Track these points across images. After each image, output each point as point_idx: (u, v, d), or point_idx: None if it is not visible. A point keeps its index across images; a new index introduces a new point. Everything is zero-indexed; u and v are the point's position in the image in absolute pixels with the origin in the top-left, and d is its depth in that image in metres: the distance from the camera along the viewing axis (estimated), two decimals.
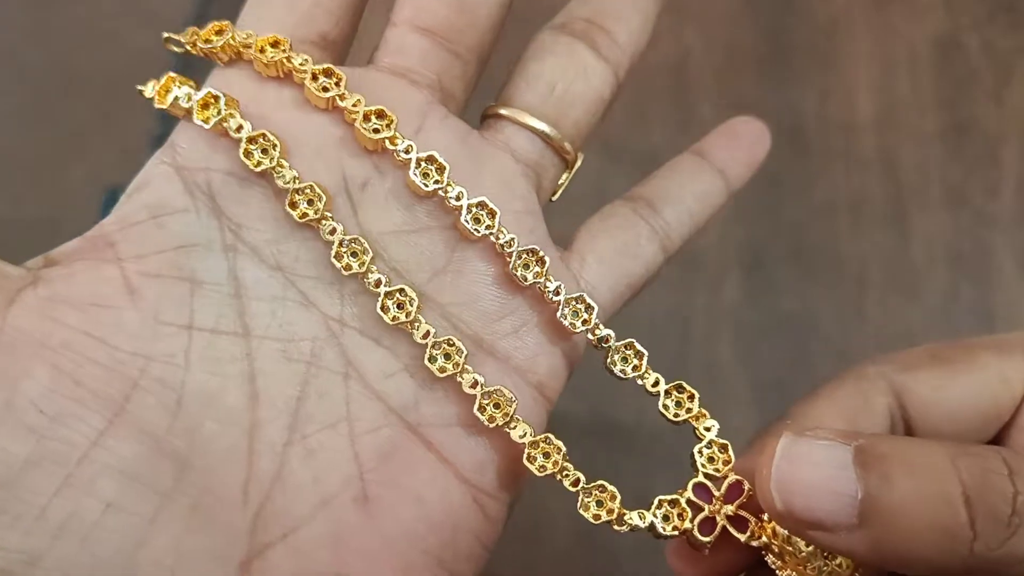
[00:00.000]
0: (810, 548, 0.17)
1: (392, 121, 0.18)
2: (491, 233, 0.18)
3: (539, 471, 0.17)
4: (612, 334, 0.19)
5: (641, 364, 0.19)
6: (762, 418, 0.19)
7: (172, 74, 0.19)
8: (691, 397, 0.19)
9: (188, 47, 0.19)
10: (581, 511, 0.18)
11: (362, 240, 0.17)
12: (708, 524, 0.18)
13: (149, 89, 0.19)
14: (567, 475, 0.18)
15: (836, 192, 0.40)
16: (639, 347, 0.19)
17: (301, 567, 0.16)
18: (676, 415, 0.19)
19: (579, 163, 0.21)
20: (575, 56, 0.20)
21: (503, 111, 0.20)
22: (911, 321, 0.38)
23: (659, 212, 0.21)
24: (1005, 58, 0.42)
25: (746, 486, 0.18)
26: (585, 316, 0.18)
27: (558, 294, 0.18)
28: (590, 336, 0.19)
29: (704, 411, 0.19)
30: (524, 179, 0.19)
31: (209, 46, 0.18)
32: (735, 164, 0.22)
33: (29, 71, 0.45)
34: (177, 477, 0.16)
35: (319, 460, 0.16)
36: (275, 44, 0.18)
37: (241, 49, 0.18)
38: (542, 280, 0.18)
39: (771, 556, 0.17)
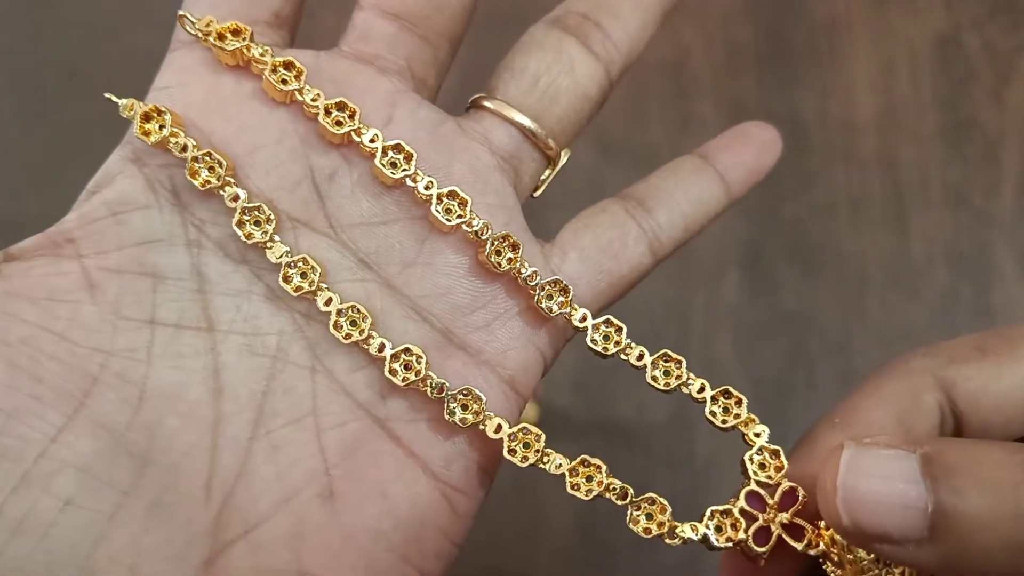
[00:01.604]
0: (871, 556, 0.16)
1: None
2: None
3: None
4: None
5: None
6: (762, 417, 0.19)
7: None
8: (738, 402, 0.18)
9: (199, 35, 0.18)
10: (631, 526, 0.17)
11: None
12: (763, 534, 0.17)
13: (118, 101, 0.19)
14: (614, 490, 0.18)
15: (836, 191, 0.40)
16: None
17: (262, 564, 0.16)
18: (724, 421, 0.18)
19: (564, 160, 0.20)
20: (563, 50, 0.19)
21: (486, 103, 0.19)
22: (911, 320, 0.38)
23: (651, 213, 0.20)
24: (1005, 58, 0.42)
25: (800, 493, 0.17)
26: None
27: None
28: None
29: (753, 416, 0.18)
30: (499, 172, 0.19)
31: (219, 45, 0.18)
32: (739, 170, 0.21)
33: (29, 70, 0.45)
34: (137, 474, 0.15)
35: (283, 456, 0.16)
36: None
37: (249, 58, 0.18)
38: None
39: (829, 564, 0.17)
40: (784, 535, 0.17)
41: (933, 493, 0.14)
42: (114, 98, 0.18)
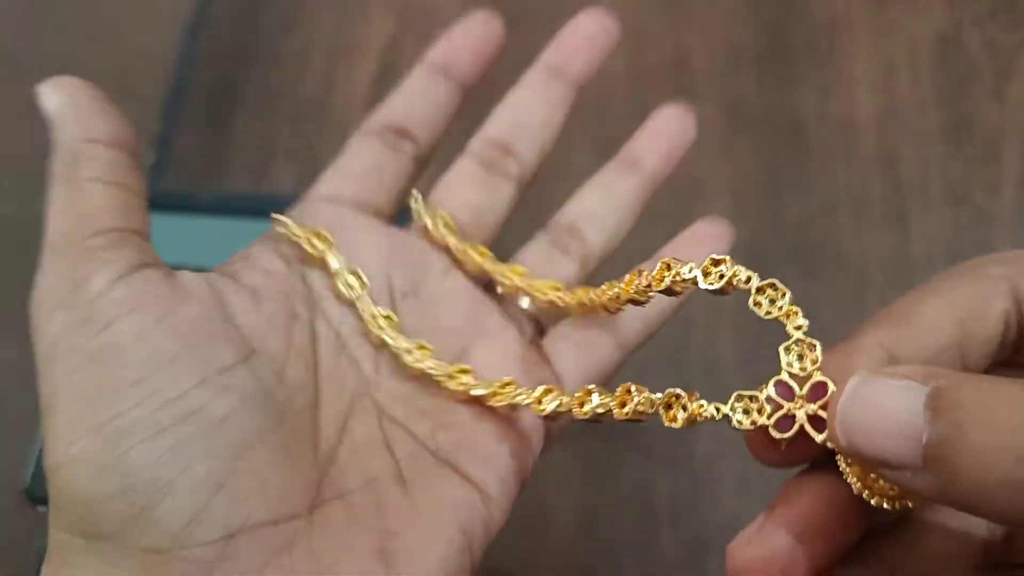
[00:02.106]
0: None
1: None
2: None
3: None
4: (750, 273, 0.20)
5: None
6: None
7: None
8: (783, 295, 0.19)
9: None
10: (667, 423, 0.19)
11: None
12: (786, 421, 0.17)
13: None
14: (643, 404, 0.19)
15: (836, 190, 0.40)
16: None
17: (353, 519, 0.19)
18: (768, 312, 0.19)
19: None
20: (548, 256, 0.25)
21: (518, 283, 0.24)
22: None
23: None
24: (1006, 55, 0.42)
25: (831, 386, 0.17)
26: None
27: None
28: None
29: (796, 309, 0.19)
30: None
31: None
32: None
33: (30, 71, 0.45)
34: (278, 422, 0.20)
35: (364, 456, 0.21)
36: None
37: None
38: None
39: (842, 458, 0.17)
40: (807, 425, 0.17)
41: (931, 425, 0.14)
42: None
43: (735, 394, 0.18)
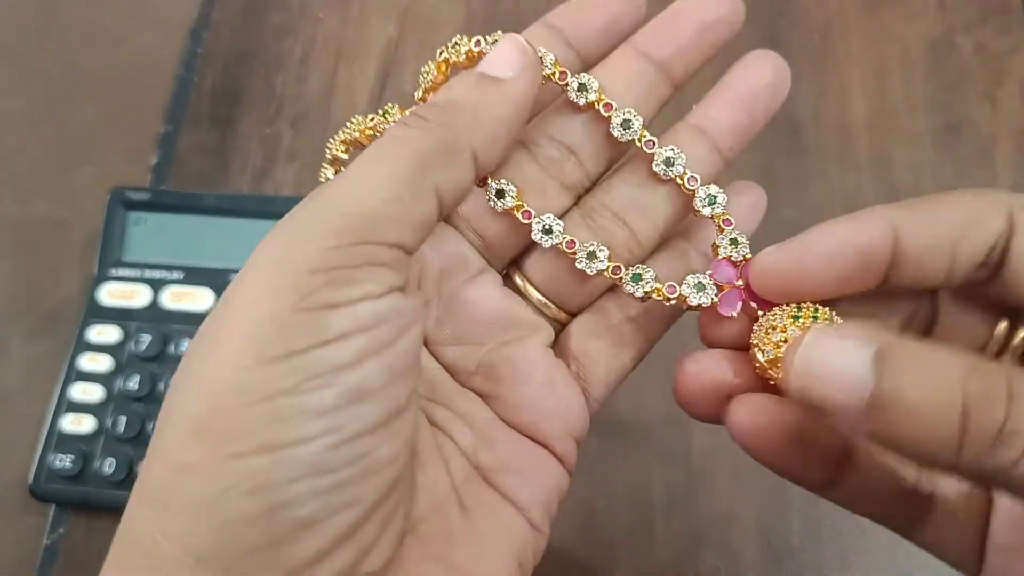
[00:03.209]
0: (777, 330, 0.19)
1: None
2: None
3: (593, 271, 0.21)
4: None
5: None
6: None
7: None
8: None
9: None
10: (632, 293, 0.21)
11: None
12: (730, 298, 0.20)
13: None
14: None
15: (830, 192, 0.40)
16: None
17: (424, 554, 0.19)
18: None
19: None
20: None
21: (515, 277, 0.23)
22: None
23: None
24: (997, 59, 0.42)
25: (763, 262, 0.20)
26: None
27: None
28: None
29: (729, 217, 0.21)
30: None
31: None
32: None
33: (36, 72, 0.45)
34: (408, 457, 0.18)
35: (427, 474, 0.20)
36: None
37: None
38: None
39: (755, 335, 0.20)
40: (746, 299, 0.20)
41: (875, 379, 0.16)
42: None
43: (688, 276, 0.21)
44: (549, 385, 0.21)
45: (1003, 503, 0.20)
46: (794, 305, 0.20)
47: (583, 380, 0.22)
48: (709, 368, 0.20)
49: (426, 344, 0.22)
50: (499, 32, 0.21)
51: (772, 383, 0.19)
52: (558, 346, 0.22)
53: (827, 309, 0.19)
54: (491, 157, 0.19)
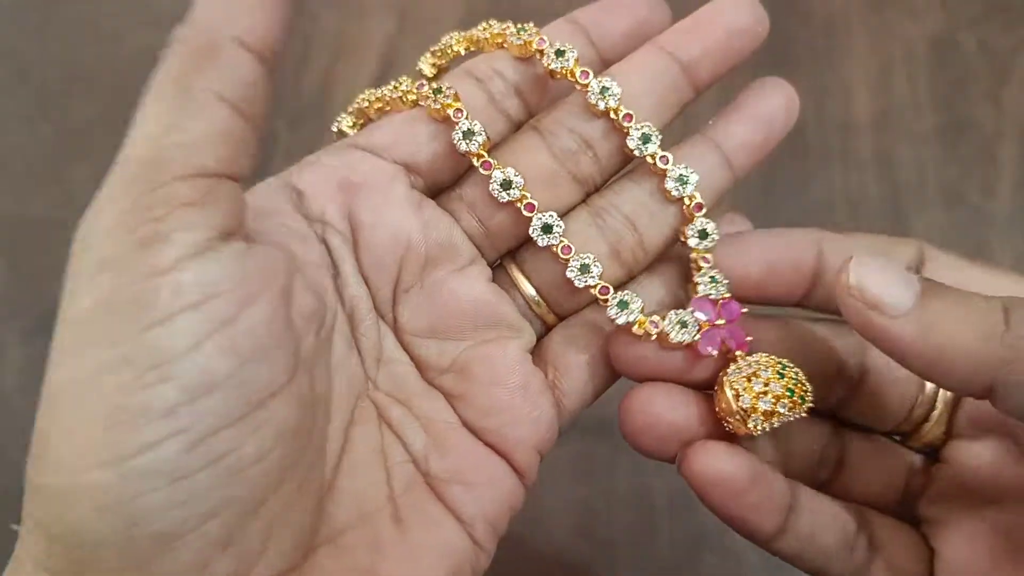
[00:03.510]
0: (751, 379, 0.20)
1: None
2: None
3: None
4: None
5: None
6: None
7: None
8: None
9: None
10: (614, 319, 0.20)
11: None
12: (709, 337, 0.20)
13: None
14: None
15: (833, 191, 0.40)
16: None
17: (345, 565, 0.17)
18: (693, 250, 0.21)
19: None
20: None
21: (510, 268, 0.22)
22: None
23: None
24: (1002, 57, 0.42)
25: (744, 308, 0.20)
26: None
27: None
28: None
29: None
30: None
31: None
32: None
33: (32, 71, 0.45)
34: (301, 452, 0.17)
35: (362, 478, 0.19)
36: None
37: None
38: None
39: (721, 381, 0.20)
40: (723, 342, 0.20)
41: (923, 284, 0.17)
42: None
43: (669, 312, 0.20)
44: (523, 391, 0.20)
45: (946, 555, 0.20)
46: (775, 359, 0.20)
47: (559, 390, 0.21)
48: (657, 404, 0.20)
49: (398, 334, 0.21)
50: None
51: (728, 428, 0.20)
52: (538, 351, 0.22)
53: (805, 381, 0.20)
54: (265, 31, 0.16)
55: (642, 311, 0.20)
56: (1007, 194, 0.40)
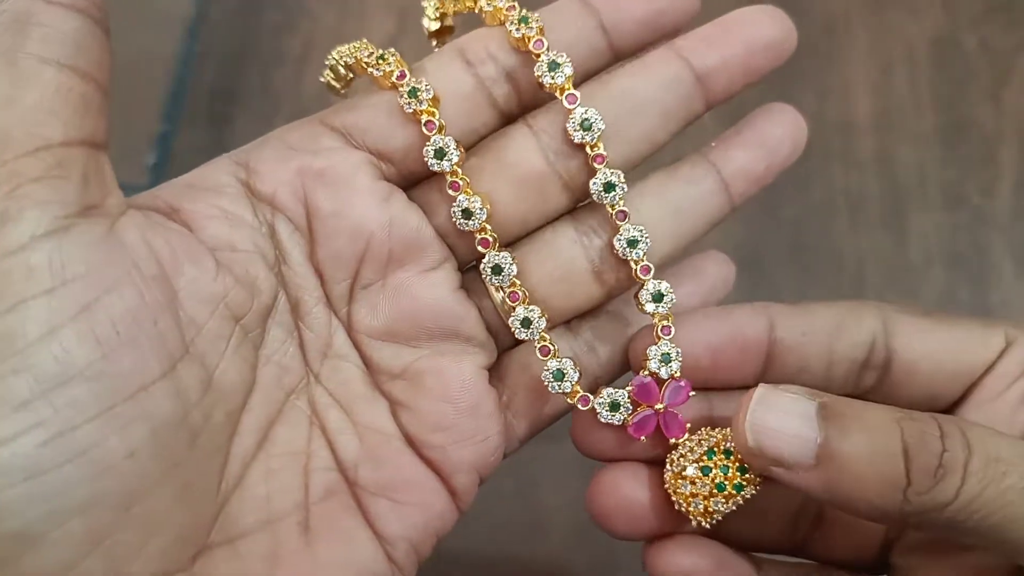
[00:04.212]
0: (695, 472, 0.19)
1: None
2: None
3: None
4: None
5: None
6: None
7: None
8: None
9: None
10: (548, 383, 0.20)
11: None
12: (645, 421, 0.20)
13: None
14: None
15: (834, 191, 0.40)
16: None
17: (238, 572, 0.17)
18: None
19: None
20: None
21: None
22: None
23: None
24: (1003, 57, 0.42)
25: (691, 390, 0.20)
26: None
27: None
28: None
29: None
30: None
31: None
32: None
33: None
34: (186, 451, 0.16)
35: (276, 481, 0.18)
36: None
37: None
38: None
39: (668, 468, 0.20)
40: (661, 424, 0.20)
41: (824, 430, 0.17)
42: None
43: (603, 390, 0.20)
44: (472, 412, 0.19)
45: None
46: (702, 448, 0.19)
47: (511, 412, 0.20)
48: (623, 486, 0.20)
49: (351, 333, 0.19)
50: None
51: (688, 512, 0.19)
52: (498, 367, 0.21)
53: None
54: None
55: (577, 383, 0.20)
56: (1007, 194, 0.40)
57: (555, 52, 0.19)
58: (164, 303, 0.16)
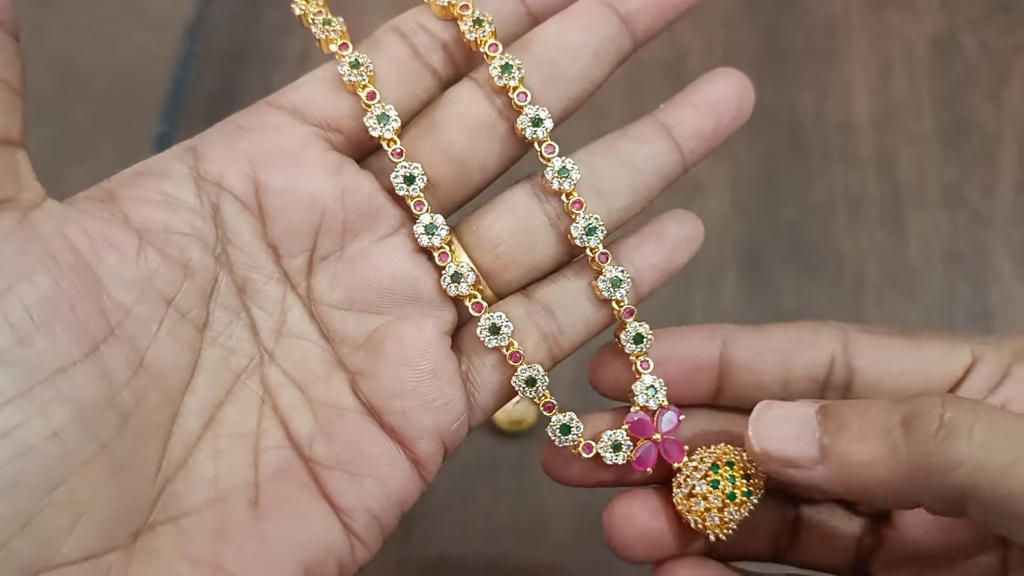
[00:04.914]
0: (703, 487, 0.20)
1: None
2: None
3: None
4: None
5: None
6: None
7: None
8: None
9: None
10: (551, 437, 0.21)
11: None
12: (647, 455, 0.21)
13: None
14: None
15: (834, 191, 0.40)
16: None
17: (183, 551, 0.17)
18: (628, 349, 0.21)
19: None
20: (534, 226, 0.21)
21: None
22: (909, 320, 0.38)
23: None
24: (1002, 58, 0.42)
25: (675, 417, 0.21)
26: None
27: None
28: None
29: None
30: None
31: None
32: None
33: (29, 72, 0.45)
34: (116, 432, 0.16)
35: (223, 460, 0.18)
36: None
37: None
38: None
39: (676, 490, 0.20)
40: (661, 452, 0.21)
41: (823, 427, 0.18)
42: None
43: (604, 433, 0.21)
44: (432, 376, 0.19)
45: None
46: (707, 464, 0.20)
47: (471, 384, 0.20)
48: (636, 515, 0.21)
49: (314, 305, 0.19)
50: None
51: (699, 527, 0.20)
52: (459, 338, 0.21)
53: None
54: None
55: (581, 435, 0.21)
56: (1007, 195, 0.40)
57: (479, 12, 0.20)
58: (83, 289, 0.16)
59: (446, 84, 0.21)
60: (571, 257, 0.21)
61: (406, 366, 0.19)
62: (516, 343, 0.20)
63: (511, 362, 0.20)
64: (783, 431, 0.18)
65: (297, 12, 0.21)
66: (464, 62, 0.21)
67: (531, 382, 0.20)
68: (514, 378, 0.20)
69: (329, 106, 0.20)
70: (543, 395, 0.20)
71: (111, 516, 0.16)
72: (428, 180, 0.20)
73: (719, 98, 0.22)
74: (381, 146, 0.20)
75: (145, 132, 0.42)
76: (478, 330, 0.20)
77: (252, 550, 0.17)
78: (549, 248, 0.21)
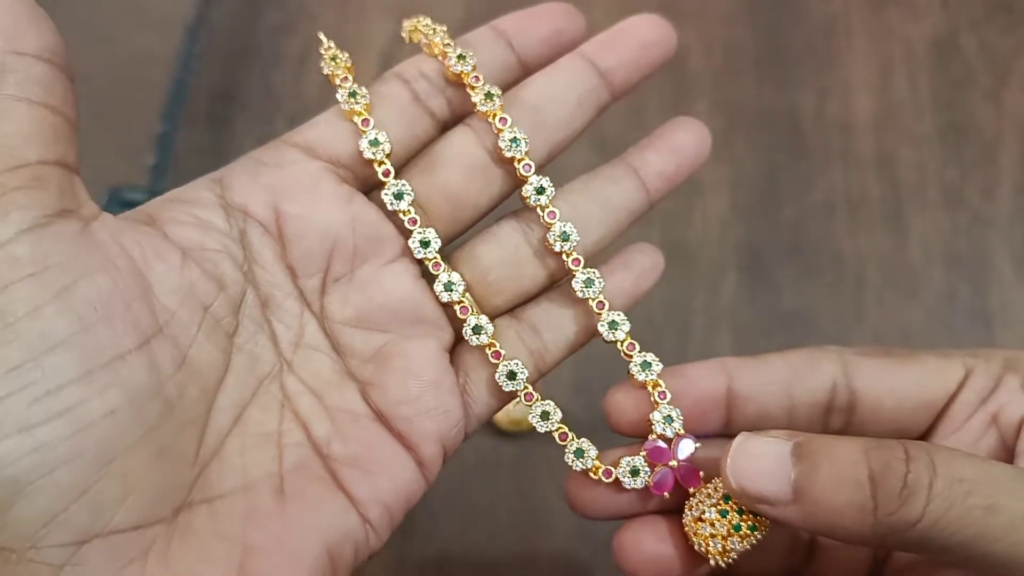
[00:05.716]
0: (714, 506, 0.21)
1: None
2: None
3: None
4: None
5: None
6: None
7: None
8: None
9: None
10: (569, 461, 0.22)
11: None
12: (663, 480, 0.22)
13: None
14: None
15: (834, 192, 0.40)
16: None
17: (217, 528, 0.19)
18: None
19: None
20: (520, 257, 0.23)
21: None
22: (909, 320, 0.38)
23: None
24: (1002, 58, 0.42)
25: (690, 444, 0.22)
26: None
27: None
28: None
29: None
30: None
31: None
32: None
33: None
34: (162, 419, 0.18)
35: (250, 454, 0.20)
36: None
37: None
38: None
39: (687, 515, 0.21)
40: (679, 479, 0.22)
41: (797, 468, 0.19)
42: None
43: (622, 459, 0.22)
44: (434, 387, 0.22)
45: None
46: (719, 493, 0.21)
47: (468, 396, 0.22)
48: (646, 542, 0.22)
49: (326, 322, 0.22)
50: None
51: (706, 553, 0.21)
52: (456, 354, 0.23)
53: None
54: (38, 39, 0.19)
55: (597, 458, 0.22)
56: (1007, 196, 0.40)
57: (461, 49, 0.23)
58: (137, 291, 0.19)
59: (443, 126, 0.23)
60: (553, 283, 0.24)
61: (412, 378, 0.21)
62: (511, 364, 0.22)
63: (525, 402, 0.22)
64: (758, 468, 0.19)
65: (325, 71, 0.23)
66: (460, 106, 0.23)
67: (545, 416, 0.22)
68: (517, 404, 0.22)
69: (339, 145, 0.22)
70: (558, 426, 0.22)
71: (156, 492, 0.18)
72: (425, 214, 0.22)
73: (680, 144, 0.24)
74: (383, 181, 0.22)
75: (145, 132, 0.42)
76: (497, 375, 0.22)
77: (278, 531, 0.19)
78: (534, 276, 0.23)
